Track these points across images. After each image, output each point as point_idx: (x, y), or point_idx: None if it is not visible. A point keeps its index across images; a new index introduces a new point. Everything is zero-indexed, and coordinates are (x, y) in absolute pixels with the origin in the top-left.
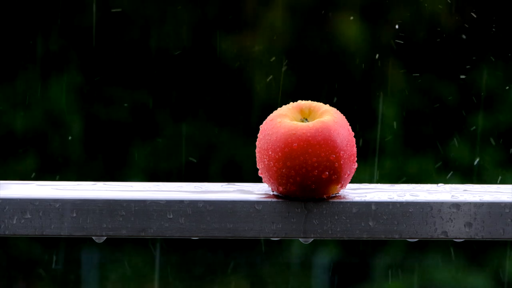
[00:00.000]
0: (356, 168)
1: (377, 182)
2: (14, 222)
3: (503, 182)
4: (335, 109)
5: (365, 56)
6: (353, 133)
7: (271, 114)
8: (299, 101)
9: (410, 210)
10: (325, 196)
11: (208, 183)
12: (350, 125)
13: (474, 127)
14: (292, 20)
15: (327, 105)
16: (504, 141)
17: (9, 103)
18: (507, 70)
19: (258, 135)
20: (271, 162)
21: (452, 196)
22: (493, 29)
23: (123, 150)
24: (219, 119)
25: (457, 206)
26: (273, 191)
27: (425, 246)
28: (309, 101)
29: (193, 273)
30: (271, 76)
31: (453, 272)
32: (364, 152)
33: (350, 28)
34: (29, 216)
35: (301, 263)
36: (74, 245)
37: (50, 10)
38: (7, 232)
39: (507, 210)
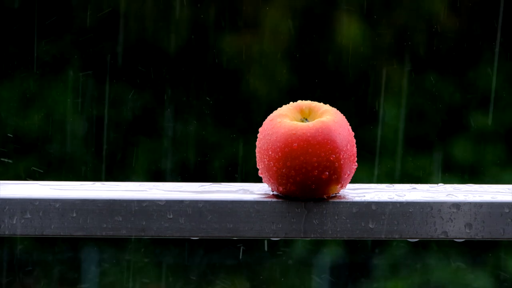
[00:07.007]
0: (356, 168)
1: (377, 182)
2: (14, 222)
3: (503, 182)
4: (335, 109)
5: (366, 56)
6: (353, 133)
7: (271, 114)
8: (299, 101)
9: (410, 210)
10: (325, 196)
11: (208, 183)
12: (350, 125)
13: (474, 127)
14: (292, 20)
15: (327, 105)
16: (504, 141)
17: (10, 103)
18: (509, 70)
19: (258, 135)
20: (271, 162)
21: (452, 196)
22: (494, 29)
23: (123, 150)
24: (219, 119)
25: (457, 206)
26: (273, 191)
27: (426, 246)
28: (309, 101)
29: (194, 273)
30: (271, 76)
31: (454, 272)
32: (364, 152)
33: (350, 27)
34: (29, 216)
35: (301, 263)
36: (74, 245)
37: (51, 10)
38: (7, 232)
39: (507, 210)
